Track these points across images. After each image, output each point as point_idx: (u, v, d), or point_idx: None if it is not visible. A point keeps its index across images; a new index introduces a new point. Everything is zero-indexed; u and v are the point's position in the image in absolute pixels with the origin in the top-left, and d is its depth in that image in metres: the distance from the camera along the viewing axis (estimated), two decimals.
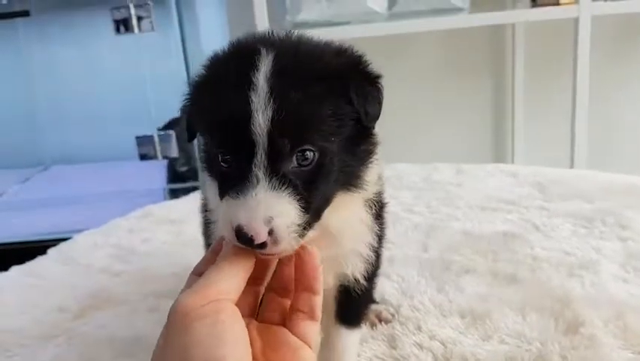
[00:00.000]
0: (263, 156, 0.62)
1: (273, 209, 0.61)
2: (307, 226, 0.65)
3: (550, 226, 1.58)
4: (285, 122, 0.62)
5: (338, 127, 0.67)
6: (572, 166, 2.58)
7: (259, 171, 0.62)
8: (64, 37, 3.83)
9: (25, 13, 3.42)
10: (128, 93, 3.67)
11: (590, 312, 1.10)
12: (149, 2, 3.06)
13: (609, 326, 1.06)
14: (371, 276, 0.91)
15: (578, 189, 1.86)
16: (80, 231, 1.89)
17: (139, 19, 3.12)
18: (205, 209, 0.93)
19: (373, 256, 0.86)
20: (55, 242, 1.80)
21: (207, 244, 0.98)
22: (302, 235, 0.64)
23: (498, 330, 1.08)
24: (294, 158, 0.64)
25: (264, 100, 0.62)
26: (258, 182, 0.62)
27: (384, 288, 1.29)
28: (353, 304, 0.92)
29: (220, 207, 0.68)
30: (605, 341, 1.01)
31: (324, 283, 0.72)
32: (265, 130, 0.62)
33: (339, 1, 2.59)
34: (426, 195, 1.98)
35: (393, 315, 1.16)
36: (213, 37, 3.53)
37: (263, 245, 0.61)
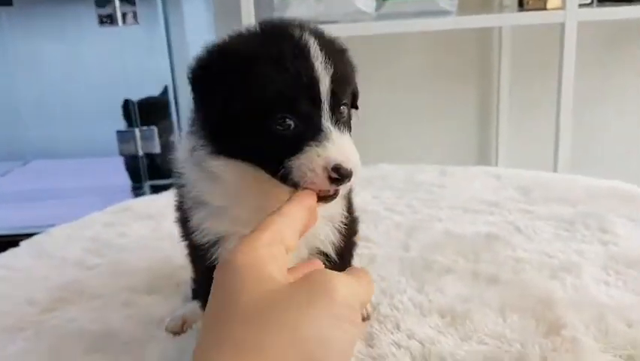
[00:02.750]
0: (327, 110, 0.75)
1: (351, 145, 0.75)
2: None
3: (533, 228, 1.57)
4: (338, 83, 0.76)
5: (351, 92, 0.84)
6: (555, 170, 2.58)
7: (327, 122, 0.74)
8: (47, 28, 3.78)
9: (7, 2, 3.37)
10: (111, 87, 3.63)
11: (572, 314, 1.08)
12: None
13: (590, 329, 1.04)
14: (344, 254, 0.94)
15: (560, 193, 1.85)
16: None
17: (124, 15, 3.08)
18: (181, 207, 0.95)
19: (344, 227, 0.92)
20: (31, 236, 1.75)
21: (187, 240, 0.97)
22: None
23: (478, 331, 1.06)
24: (340, 107, 0.78)
25: (324, 66, 0.75)
26: (331, 131, 0.73)
27: None
28: None
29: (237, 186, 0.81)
30: (587, 343, 0.99)
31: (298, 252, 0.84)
32: (328, 88, 0.75)
33: None
34: (408, 195, 1.96)
35: (367, 311, 1.14)
36: (198, 32, 3.50)
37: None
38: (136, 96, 3.36)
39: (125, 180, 3.43)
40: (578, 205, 1.73)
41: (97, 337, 1.13)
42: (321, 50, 0.75)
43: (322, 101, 0.74)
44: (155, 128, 3.15)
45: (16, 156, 4.04)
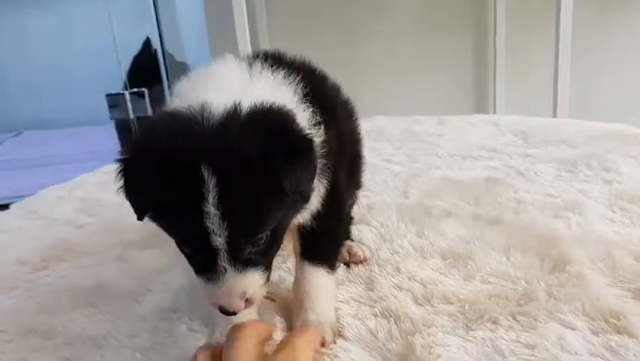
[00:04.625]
0: (225, 254, 0.72)
1: (244, 286, 0.74)
2: (269, 274, 0.80)
3: (534, 171, 1.54)
4: (240, 231, 0.71)
5: (281, 210, 0.76)
6: (554, 116, 2.54)
7: (224, 263, 0.72)
8: None
9: None
10: (100, 55, 3.57)
11: (577, 251, 1.05)
12: None
13: (597, 264, 1.01)
14: (328, 215, 0.90)
15: (561, 136, 1.82)
16: None
17: None
18: None
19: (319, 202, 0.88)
20: None
21: None
22: (267, 282, 0.79)
23: (481, 270, 1.03)
24: (250, 245, 0.74)
25: (218, 224, 0.69)
26: (225, 270, 0.73)
27: (363, 233, 1.23)
28: (314, 242, 0.92)
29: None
30: (594, 278, 0.96)
31: None
32: (223, 242, 0.71)
33: None
34: (406, 145, 1.93)
35: (364, 252, 1.11)
36: None
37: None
38: (124, 64, 3.32)
39: (117, 147, 3.39)
40: (579, 147, 1.69)
41: (90, 292, 1.09)
42: (219, 201, 0.68)
43: (217, 250, 0.71)
44: (145, 91, 3.08)
45: (8, 128, 4.00)
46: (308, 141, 0.77)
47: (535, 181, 1.47)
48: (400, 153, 1.85)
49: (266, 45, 3.04)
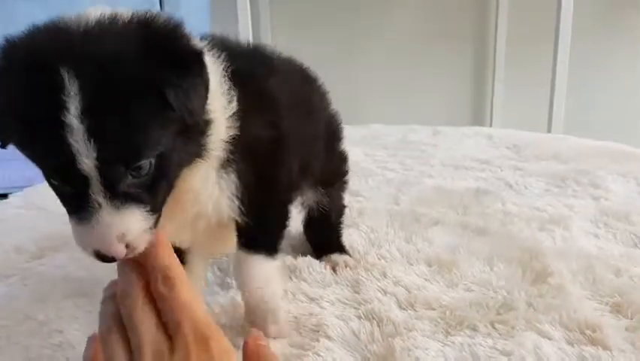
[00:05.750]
0: (98, 184, 0.60)
1: (122, 227, 0.63)
2: (157, 218, 0.67)
3: (524, 184, 1.57)
4: (112, 152, 0.60)
5: (166, 131, 0.65)
6: (549, 132, 2.57)
7: (98, 196, 0.61)
8: None
9: None
10: None
11: (559, 264, 1.08)
12: None
13: (578, 277, 1.04)
14: (258, 206, 0.86)
15: (552, 151, 1.85)
16: None
17: None
18: None
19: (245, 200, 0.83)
20: None
21: None
22: (154, 227, 0.67)
23: (464, 278, 1.06)
24: (130, 175, 0.62)
25: (84, 141, 0.58)
26: (100, 206, 0.61)
27: (353, 237, 1.26)
28: (250, 231, 0.88)
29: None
30: (573, 291, 0.99)
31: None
32: (92, 165, 0.59)
33: None
34: (400, 153, 1.96)
35: (347, 265, 1.13)
36: None
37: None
38: None
39: None
40: (569, 163, 1.73)
41: (83, 282, 1.12)
42: (83, 114, 0.57)
43: (87, 178, 0.60)
44: None
45: None
46: (196, 54, 0.68)
47: (523, 194, 1.50)
48: (395, 160, 1.89)
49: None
